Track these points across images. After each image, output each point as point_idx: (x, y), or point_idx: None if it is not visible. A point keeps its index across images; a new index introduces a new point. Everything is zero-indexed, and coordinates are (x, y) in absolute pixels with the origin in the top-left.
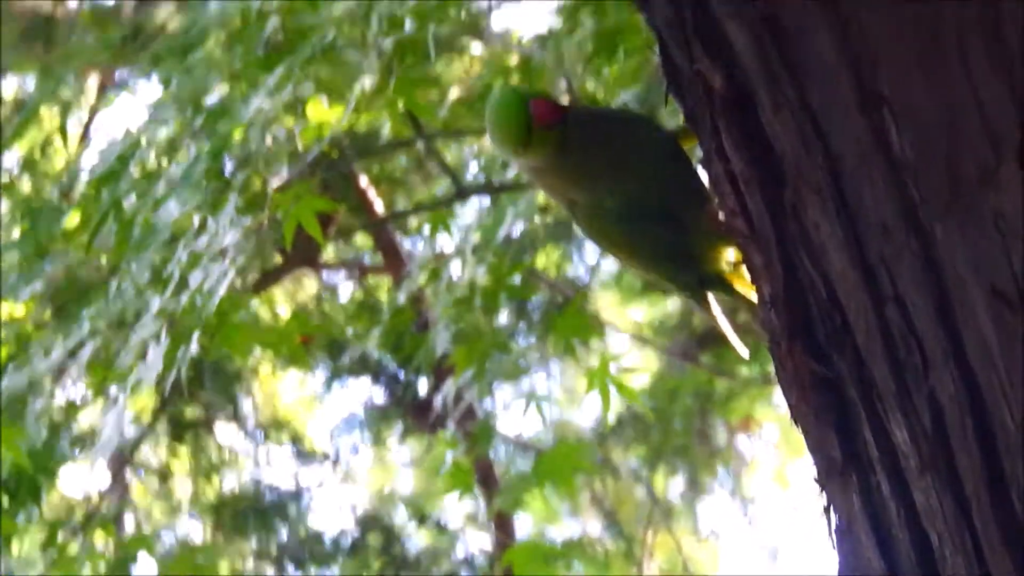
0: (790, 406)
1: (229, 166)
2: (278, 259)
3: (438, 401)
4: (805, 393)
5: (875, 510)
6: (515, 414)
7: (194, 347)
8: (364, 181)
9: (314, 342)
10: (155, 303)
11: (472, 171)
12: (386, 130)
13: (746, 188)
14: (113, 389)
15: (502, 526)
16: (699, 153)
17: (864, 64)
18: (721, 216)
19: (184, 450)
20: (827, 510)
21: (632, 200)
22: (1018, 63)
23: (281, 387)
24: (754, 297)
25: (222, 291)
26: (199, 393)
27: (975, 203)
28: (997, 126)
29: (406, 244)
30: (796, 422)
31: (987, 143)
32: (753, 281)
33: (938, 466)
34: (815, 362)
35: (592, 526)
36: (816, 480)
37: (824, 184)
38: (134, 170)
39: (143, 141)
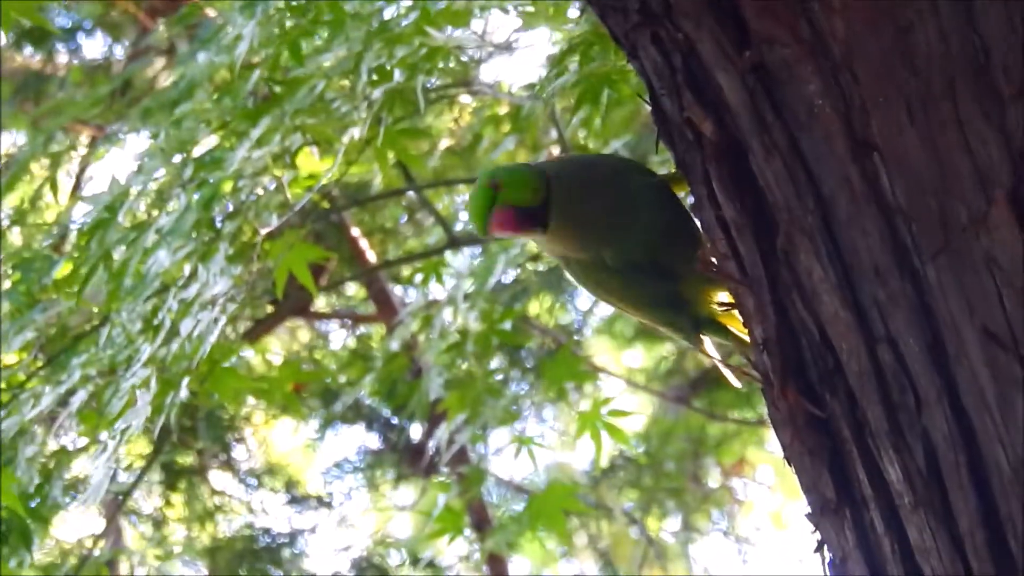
0: (784, 446)
1: (219, 216)
2: (269, 309)
3: (431, 445)
4: (798, 433)
5: (869, 547)
6: (508, 457)
7: (183, 393)
8: (356, 232)
9: (307, 390)
10: (145, 351)
11: (464, 220)
12: (377, 181)
13: (738, 234)
14: (104, 435)
15: (495, 568)
16: (690, 199)
17: (855, 111)
18: (713, 260)
19: (178, 497)
20: (821, 547)
21: (625, 255)
22: (1009, 107)
23: (275, 434)
24: (748, 338)
25: (212, 338)
26: (193, 441)
27: (967, 246)
28: (987, 170)
29: (398, 293)
30: (790, 461)
31: (978, 186)
32: (745, 324)
33: (932, 504)
34: (808, 402)
35: (588, 568)
36: (810, 518)
37: (816, 229)
38: (124, 220)
39: (132, 191)
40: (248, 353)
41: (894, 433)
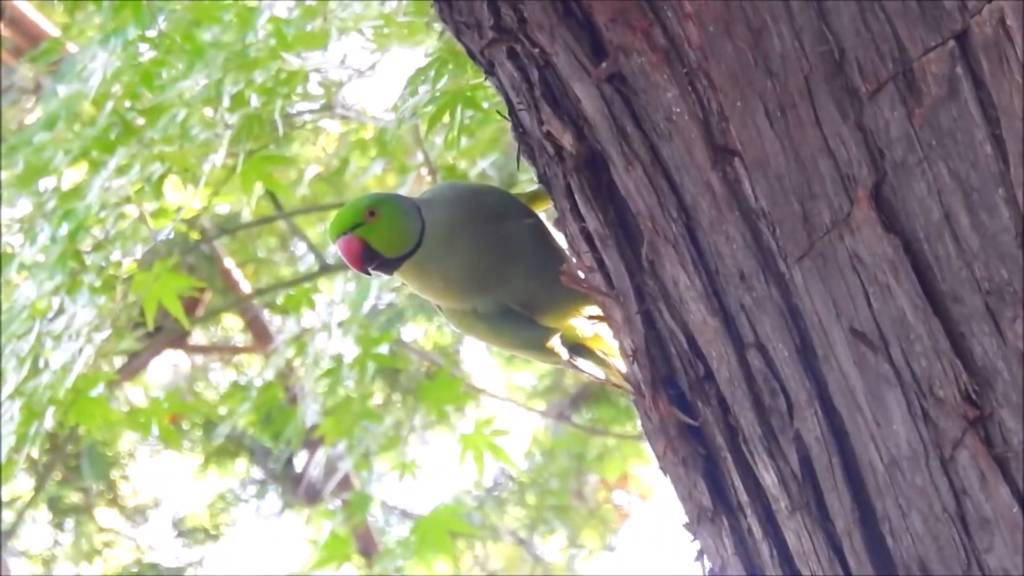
0: (658, 456)
1: (86, 247)
2: (136, 344)
3: (314, 474)
4: (672, 442)
5: (748, 553)
6: (397, 483)
7: (48, 422)
8: (230, 263)
9: (188, 423)
10: (11, 383)
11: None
12: (247, 211)
13: (602, 245)
14: None
15: None
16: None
17: (713, 117)
18: (580, 274)
19: (67, 536)
20: (700, 556)
21: (498, 306)
22: (867, 105)
23: (159, 468)
24: (619, 362)
25: (77, 368)
26: (78, 479)
27: (831, 247)
28: (848, 169)
29: (275, 323)
30: (665, 471)
31: (840, 187)
32: (615, 336)
33: (808, 507)
34: (680, 411)
35: None
36: (687, 527)
37: (680, 237)
38: None
39: None
40: (128, 388)
41: (767, 438)
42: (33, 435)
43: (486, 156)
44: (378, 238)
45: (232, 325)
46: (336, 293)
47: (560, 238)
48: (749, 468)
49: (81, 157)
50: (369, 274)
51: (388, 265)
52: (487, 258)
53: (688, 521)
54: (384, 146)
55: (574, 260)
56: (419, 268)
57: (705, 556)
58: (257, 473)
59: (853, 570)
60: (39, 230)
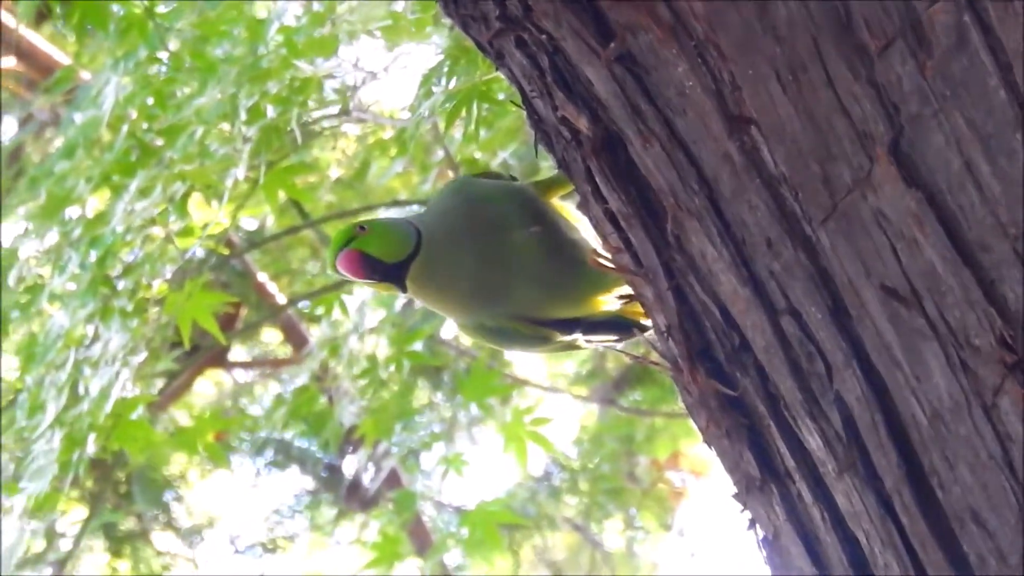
0: (701, 430)
1: (115, 272)
2: (173, 365)
3: (365, 479)
4: (713, 415)
5: (799, 518)
6: (452, 480)
7: (91, 449)
8: (263, 277)
9: (235, 439)
10: (51, 412)
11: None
12: (271, 221)
13: (627, 225)
14: (14, 500)
15: None
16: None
17: (725, 88)
18: (607, 255)
19: (125, 562)
20: (752, 525)
21: (501, 322)
22: (878, 61)
23: (212, 487)
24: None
25: (115, 392)
26: (131, 506)
27: (854, 206)
28: (865, 127)
29: (315, 334)
30: (709, 444)
31: (858, 145)
32: (647, 314)
33: (855, 467)
34: (719, 383)
35: None
36: (737, 498)
37: (703, 210)
38: (14, 284)
39: (19, 254)
40: (174, 412)
41: (808, 402)
42: (76, 462)
43: (506, 147)
44: (373, 246)
45: (271, 339)
46: (367, 294)
47: (585, 223)
48: (793, 434)
49: (103, 183)
50: (377, 282)
51: (392, 274)
52: (488, 270)
53: (737, 492)
54: (404, 145)
55: (599, 244)
56: (423, 277)
57: (757, 525)
58: (309, 483)
59: (905, 526)
60: (67, 259)
